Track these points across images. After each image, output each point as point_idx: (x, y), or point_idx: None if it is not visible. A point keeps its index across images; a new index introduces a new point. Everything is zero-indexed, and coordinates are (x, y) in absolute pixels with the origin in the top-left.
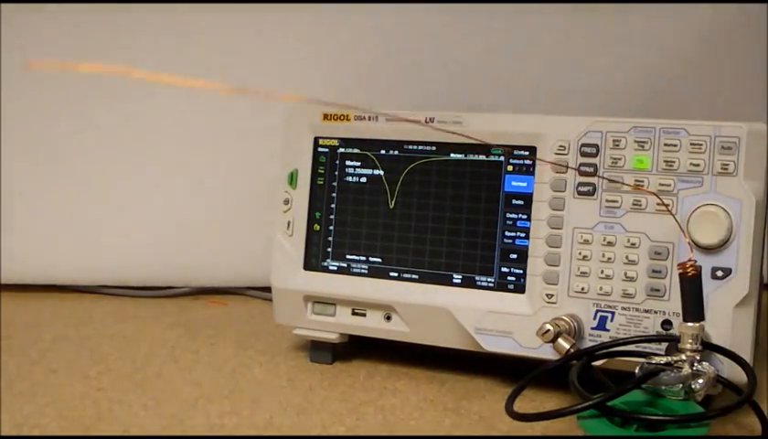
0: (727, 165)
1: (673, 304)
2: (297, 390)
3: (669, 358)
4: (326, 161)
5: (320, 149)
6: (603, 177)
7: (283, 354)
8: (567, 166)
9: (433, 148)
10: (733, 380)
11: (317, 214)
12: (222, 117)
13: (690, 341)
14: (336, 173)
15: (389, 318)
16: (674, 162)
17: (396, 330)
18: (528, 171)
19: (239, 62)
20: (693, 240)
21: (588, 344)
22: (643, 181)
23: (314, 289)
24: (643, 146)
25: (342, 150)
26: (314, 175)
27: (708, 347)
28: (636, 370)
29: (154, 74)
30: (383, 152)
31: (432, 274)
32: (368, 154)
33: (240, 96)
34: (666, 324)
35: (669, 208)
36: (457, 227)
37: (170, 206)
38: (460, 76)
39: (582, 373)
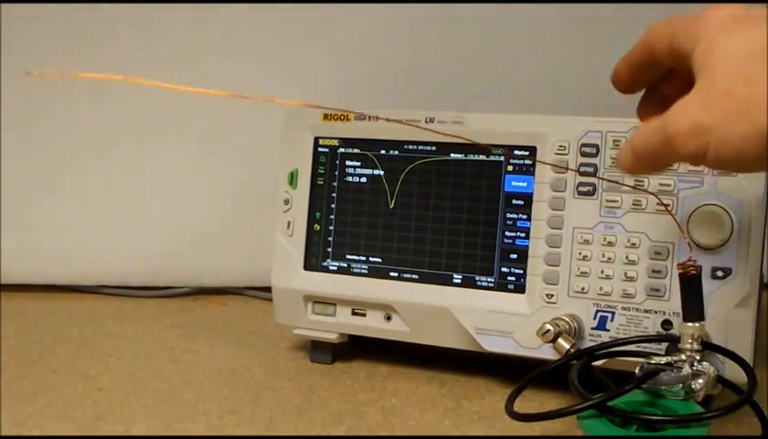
0: None
1: (673, 304)
2: (297, 390)
3: (669, 358)
4: (326, 161)
5: (320, 149)
6: (603, 179)
7: (283, 354)
8: (566, 168)
9: (433, 148)
10: (733, 380)
11: (317, 214)
12: (222, 116)
13: (690, 341)
14: (336, 173)
15: (389, 318)
16: None
17: (396, 330)
18: (528, 171)
19: (238, 62)
20: (693, 240)
21: (588, 344)
22: (643, 181)
23: (314, 289)
24: None
25: (342, 150)
26: (315, 175)
27: (708, 347)
28: (636, 370)
29: (153, 82)
30: (383, 152)
31: (432, 274)
32: (368, 154)
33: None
34: (666, 324)
35: (669, 208)
36: (457, 227)
37: (170, 206)
38: (460, 76)
39: (582, 373)
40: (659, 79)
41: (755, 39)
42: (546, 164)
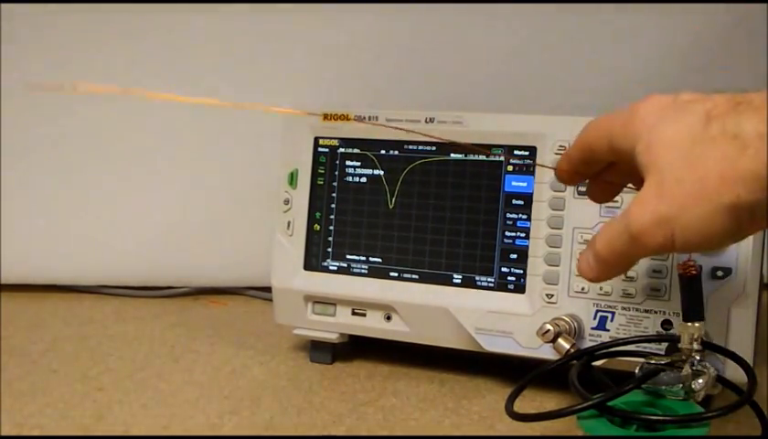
0: None
1: (673, 304)
2: (297, 390)
3: (669, 358)
4: (326, 161)
5: (320, 149)
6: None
7: (283, 354)
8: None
9: (433, 148)
10: (733, 380)
11: (317, 214)
12: (222, 116)
13: (690, 341)
14: (336, 173)
15: (389, 318)
16: None
17: (396, 330)
18: (528, 171)
19: (239, 62)
20: None
21: (588, 344)
22: None
23: (314, 289)
24: None
25: (342, 150)
26: (315, 175)
27: (708, 347)
28: (636, 370)
29: (152, 93)
30: (383, 152)
31: (432, 274)
32: (368, 154)
33: (240, 96)
34: (666, 324)
35: None
36: (457, 227)
37: (170, 206)
38: (460, 76)
39: (582, 373)
40: (602, 169)
41: (691, 125)
42: (545, 167)
